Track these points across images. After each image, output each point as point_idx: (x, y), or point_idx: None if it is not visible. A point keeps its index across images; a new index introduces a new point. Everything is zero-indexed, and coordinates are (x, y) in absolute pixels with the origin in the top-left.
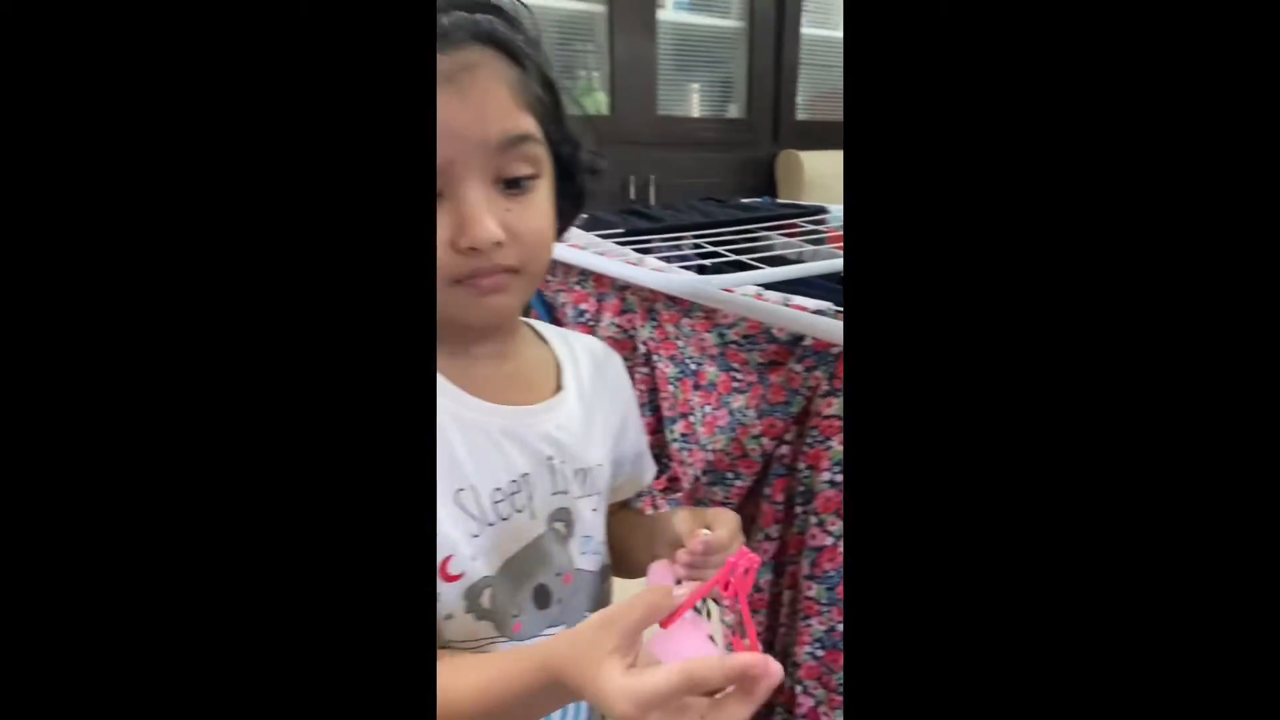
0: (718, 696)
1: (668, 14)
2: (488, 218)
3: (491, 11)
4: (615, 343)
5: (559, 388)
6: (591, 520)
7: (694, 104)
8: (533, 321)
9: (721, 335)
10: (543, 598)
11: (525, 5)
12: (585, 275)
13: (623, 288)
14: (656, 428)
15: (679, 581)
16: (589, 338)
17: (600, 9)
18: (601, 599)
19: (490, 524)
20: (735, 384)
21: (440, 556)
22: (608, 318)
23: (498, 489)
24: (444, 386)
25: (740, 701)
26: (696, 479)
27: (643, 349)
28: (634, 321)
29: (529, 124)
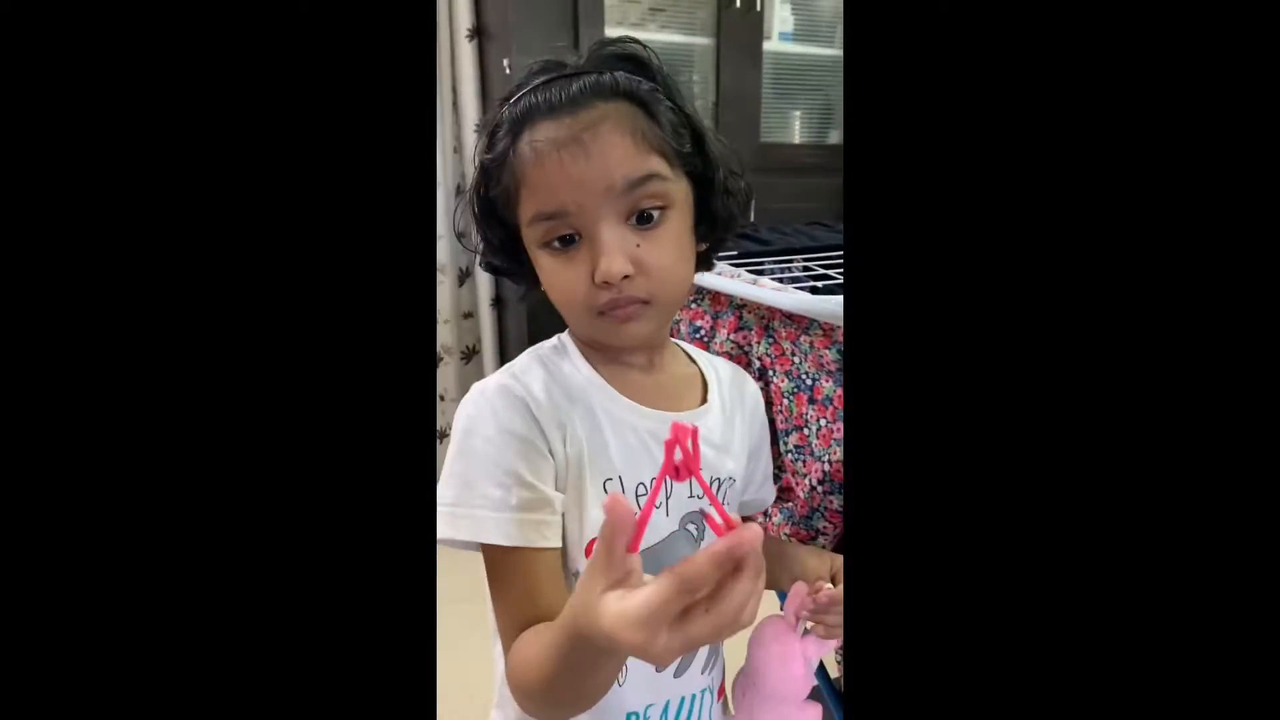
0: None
1: (772, 44)
2: (617, 255)
3: (621, 63)
4: (730, 358)
5: (704, 401)
6: None
7: (795, 131)
8: (683, 343)
9: (841, 352)
10: None
11: (649, 47)
12: (700, 293)
13: (739, 306)
14: (770, 439)
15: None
16: (730, 363)
17: (707, 41)
18: None
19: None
20: None
21: (585, 538)
22: (723, 334)
23: (641, 483)
24: (603, 387)
25: (737, 579)
26: (813, 488)
27: (757, 364)
28: (750, 338)
29: (654, 164)
